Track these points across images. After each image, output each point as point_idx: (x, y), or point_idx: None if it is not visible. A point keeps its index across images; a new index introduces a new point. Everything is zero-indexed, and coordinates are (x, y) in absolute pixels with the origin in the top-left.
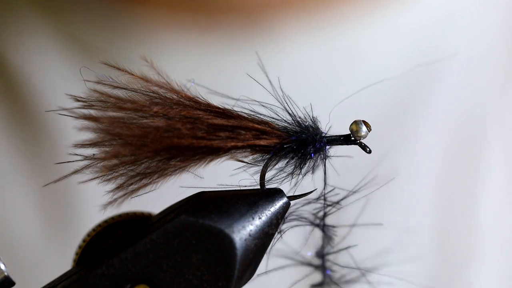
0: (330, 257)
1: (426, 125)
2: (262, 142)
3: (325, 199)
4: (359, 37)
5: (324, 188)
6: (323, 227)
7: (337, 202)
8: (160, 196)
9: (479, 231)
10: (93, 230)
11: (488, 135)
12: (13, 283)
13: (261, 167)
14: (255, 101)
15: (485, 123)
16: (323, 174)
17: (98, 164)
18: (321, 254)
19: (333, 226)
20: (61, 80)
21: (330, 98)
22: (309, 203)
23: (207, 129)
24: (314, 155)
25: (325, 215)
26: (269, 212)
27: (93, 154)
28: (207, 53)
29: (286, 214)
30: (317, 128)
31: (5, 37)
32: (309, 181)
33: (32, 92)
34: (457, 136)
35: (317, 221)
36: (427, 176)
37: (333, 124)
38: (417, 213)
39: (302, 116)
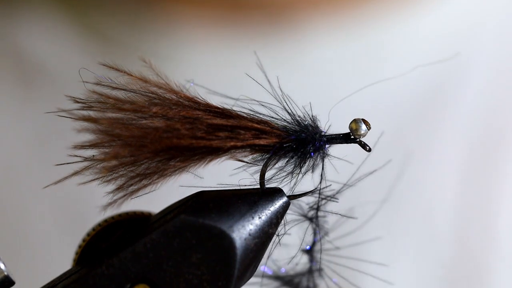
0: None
1: (445, 129)
2: (262, 142)
3: (320, 194)
4: (372, 38)
5: (321, 183)
6: (316, 220)
7: (333, 196)
8: (160, 196)
9: (499, 237)
10: (93, 229)
11: (509, 139)
12: (13, 283)
13: (260, 167)
14: (255, 100)
15: (506, 128)
16: (321, 171)
17: (98, 165)
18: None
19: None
20: (64, 78)
21: (331, 96)
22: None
23: (206, 129)
24: (313, 154)
25: (318, 208)
26: (269, 211)
27: (93, 155)
28: (210, 52)
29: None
30: (317, 127)
31: (10, 35)
32: (309, 180)
33: (33, 91)
34: (477, 141)
35: (311, 215)
36: (446, 181)
37: (335, 123)
38: (437, 218)
39: (302, 115)
